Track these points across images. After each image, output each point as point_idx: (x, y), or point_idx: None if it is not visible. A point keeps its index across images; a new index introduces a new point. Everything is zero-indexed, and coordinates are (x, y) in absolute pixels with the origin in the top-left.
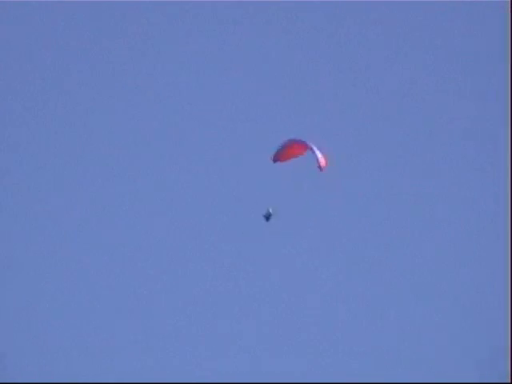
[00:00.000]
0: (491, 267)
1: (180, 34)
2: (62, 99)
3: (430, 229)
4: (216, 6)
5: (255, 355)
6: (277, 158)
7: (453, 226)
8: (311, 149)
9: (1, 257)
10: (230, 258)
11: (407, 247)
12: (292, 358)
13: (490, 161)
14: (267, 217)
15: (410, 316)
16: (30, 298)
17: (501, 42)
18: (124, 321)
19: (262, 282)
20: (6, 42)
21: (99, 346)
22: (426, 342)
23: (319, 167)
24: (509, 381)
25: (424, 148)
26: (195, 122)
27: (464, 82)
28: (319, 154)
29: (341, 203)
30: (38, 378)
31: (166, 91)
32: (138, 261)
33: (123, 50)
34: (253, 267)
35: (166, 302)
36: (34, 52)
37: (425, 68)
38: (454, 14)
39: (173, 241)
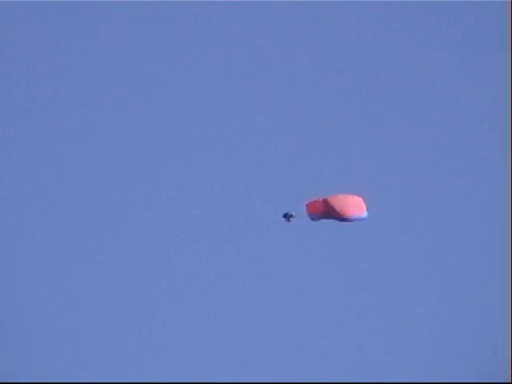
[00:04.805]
0: (491, 267)
1: (180, 34)
2: (61, 99)
3: (430, 227)
4: (216, 6)
5: (255, 355)
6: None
7: (453, 224)
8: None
9: (1, 257)
10: (230, 260)
11: (407, 246)
12: (295, 358)
13: (490, 161)
14: (288, 216)
15: (409, 316)
16: (30, 299)
17: (501, 42)
18: (123, 322)
19: (263, 283)
20: (6, 42)
21: (98, 348)
22: (425, 342)
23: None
24: (509, 381)
25: (424, 148)
26: (194, 123)
27: (464, 82)
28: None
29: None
30: (37, 378)
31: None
32: (138, 260)
33: (123, 50)
34: (253, 268)
35: (164, 302)
36: (33, 52)
37: (424, 68)
38: (454, 14)
39: (171, 242)
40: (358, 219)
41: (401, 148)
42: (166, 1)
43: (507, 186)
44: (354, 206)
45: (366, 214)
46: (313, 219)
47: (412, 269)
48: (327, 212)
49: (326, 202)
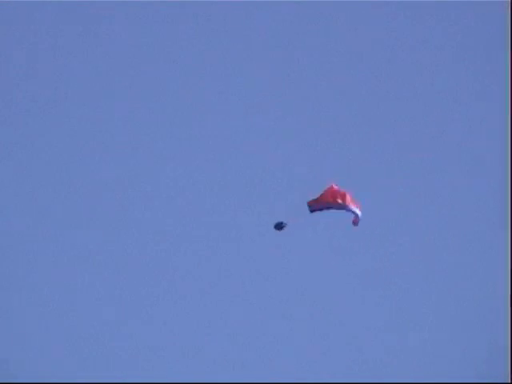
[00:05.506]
0: (491, 267)
1: (180, 34)
2: (61, 99)
3: (430, 227)
4: (216, 6)
5: (255, 355)
6: (313, 207)
7: (453, 224)
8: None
9: (1, 259)
10: (231, 261)
11: (407, 246)
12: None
13: (490, 161)
14: (279, 227)
15: (410, 316)
16: (30, 299)
17: (501, 42)
18: (123, 321)
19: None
20: (6, 42)
21: (98, 348)
22: (425, 342)
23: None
24: (509, 381)
25: (424, 148)
26: (194, 124)
27: (464, 82)
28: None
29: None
30: (37, 378)
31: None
32: (138, 261)
33: (123, 50)
34: (254, 269)
35: (164, 302)
36: (33, 52)
37: (424, 68)
38: (454, 14)
39: (170, 245)
40: (355, 212)
41: (400, 148)
42: (166, 1)
43: (507, 185)
44: (352, 201)
45: (360, 212)
46: (312, 211)
47: (411, 269)
48: (329, 200)
49: (330, 191)
